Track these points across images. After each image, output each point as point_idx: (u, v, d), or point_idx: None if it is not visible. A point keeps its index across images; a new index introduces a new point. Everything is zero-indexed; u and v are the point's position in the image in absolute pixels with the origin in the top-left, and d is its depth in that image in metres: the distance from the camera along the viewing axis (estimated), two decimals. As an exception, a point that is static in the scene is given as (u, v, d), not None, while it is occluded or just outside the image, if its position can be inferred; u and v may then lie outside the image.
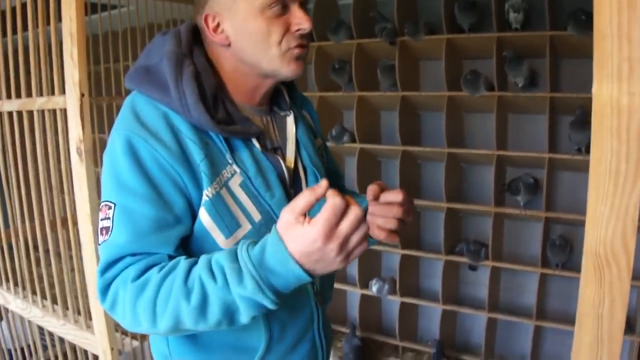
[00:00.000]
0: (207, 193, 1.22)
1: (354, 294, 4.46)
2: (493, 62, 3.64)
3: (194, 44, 1.34)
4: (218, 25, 1.30)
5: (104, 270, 1.21)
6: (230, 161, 1.27)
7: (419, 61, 4.25)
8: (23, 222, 2.64)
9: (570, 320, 3.73)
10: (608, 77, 0.88)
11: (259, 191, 1.29)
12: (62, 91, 2.14)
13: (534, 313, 3.70)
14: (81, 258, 2.24)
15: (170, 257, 1.21)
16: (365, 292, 4.27)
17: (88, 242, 2.14)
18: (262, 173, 1.31)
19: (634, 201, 0.88)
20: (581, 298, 0.96)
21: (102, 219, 1.22)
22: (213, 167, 1.24)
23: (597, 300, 0.93)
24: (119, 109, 3.74)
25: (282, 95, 1.48)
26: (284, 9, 1.27)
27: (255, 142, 1.32)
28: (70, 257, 2.50)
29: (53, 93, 2.22)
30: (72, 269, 2.45)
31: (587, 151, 3.43)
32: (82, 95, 2.04)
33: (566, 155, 3.54)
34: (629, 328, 3.39)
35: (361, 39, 4.09)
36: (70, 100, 2.07)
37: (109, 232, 1.20)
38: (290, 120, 1.45)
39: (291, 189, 1.39)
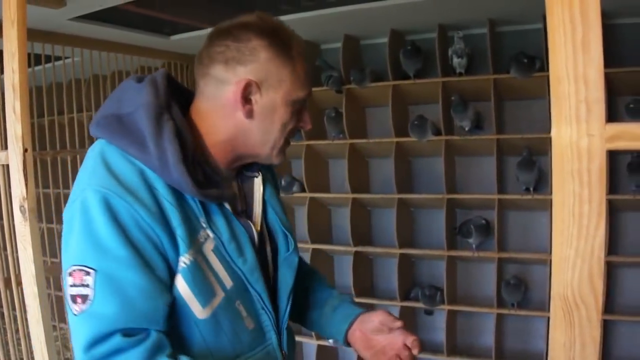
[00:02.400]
0: (185, 260, 1.15)
1: (310, 345, 4.38)
2: (439, 107, 3.70)
3: (170, 95, 1.25)
4: (249, 94, 1.23)
5: (90, 346, 1.07)
6: (204, 225, 1.20)
7: (365, 108, 4.30)
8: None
9: (528, 358, 3.74)
10: (566, 119, 0.88)
11: (232, 257, 1.23)
12: (4, 146, 2.05)
13: (492, 354, 3.69)
14: (26, 319, 2.14)
15: (159, 335, 1.11)
16: (321, 342, 4.20)
17: (34, 304, 2.04)
18: (236, 238, 1.24)
19: (599, 242, 0.88)
20: (552, 342, 0.95)
21: (75, 285, 1.09)
22: (190, 232, 1.17)
23: (568, 343, 0.92)
24: (63, 163, 3.65)
25: None
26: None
27: (227, 205, 1.26)
28: (15, 319, 2.40)
29: (-5, 148, 2.15)
30: (17, 331, 2.35)
31: (535, 190, 3.50)
32: (25, 150, 1.96)
33: (515, 195, 3.60)
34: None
35: (307, 88, 4.09)
36: (13, 155, 1.99)
37: (89, 301, 1.08)
38: (258, 182, 1.39)
39: (258, 253, 1.32)
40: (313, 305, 1.57)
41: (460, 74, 3.66)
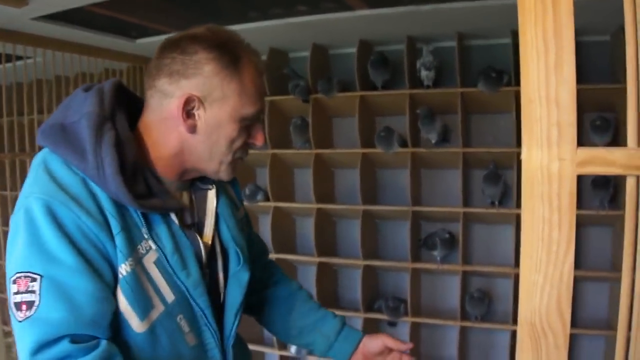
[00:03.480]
0: (122, 270, 1.13)
1: (273, 355, 4.33)
2: (406, 119, 3.68)
3: (117, 105, 1.23)
4: (192, 108, 1.21)
5: (36, 351, 1.05)
6: (146, 236, 1.18)
7: (332, 118, 4.27)
8: None
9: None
10: (537, 142, 0.86)
11: (175, 270, 1.21)
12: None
13: (455, 366, 3.67)
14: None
15: (108, 344, 1.09)
16: (283, 353, 4.12)
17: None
18: (179, 251, 1.22)
19: (568, 268, 0.87)
20: (518, 368, 0.93)
21: (20, 292, 1.07)
22: (129, 242, 1.15)
23: (535, 370, 0.90)
24: (23, 165, 3.56)
25: None
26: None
27: (173, 217, 1.24)
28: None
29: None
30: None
31: (500, 204, 3.51)
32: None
33: (480, 208, 3.61)
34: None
35: (274, 96, 4.07)
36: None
37: (34, 307, 1.05)
38: (211, 195, 1.37)
39: (206, 268, 1.32)
40: (309, 330, 1.62)
41: (428, 87, 3.66)
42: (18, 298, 1.07)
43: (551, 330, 0.89)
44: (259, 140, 1.29)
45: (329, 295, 4.21)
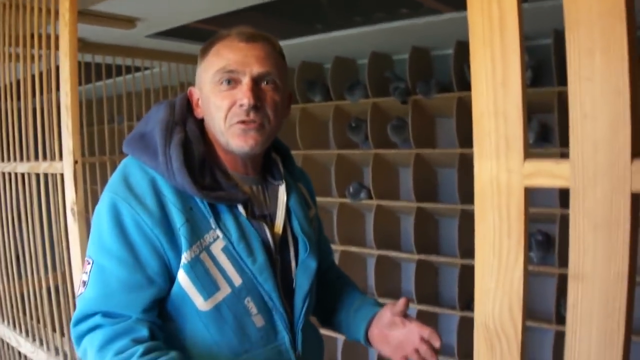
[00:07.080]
0: (186, 256, 1.27)
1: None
2: (503, 118, 3.63)
3: (189, 113, 1.43)
4: (199, 99, 1.41)
5: (76, 323, 1.27)
6: (213, 226, 1.31)
7: (435, 118, 4.30)
8: (32, 274, 2.77)
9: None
10: (487, 154, 0.91)
11: (241, 256, 1.32)
12: (61, 157, 2.29)
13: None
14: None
15: (139, 321, 1.25)
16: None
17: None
18: (245, 238, 1.34)
19: (518, 276, 0.91)
20: (476, 370, 0.97)
21: (83, 272, 1.30)
22: (194, 232, 1.29)
23: (491, 372, 0.94)
24: (113, 165, 3.88)
25: (276, 165, 1.52)
26: (235, 83, 1.34)
27: (241, 208, 1.36)
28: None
29: (54, 158, 2.36)
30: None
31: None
32: (76, 162, 2.18)
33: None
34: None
35: (376, 98, 4.17)
36: (67, 166, 2.21)
37: (84, 287, 1.28)
38: (282, 189, 1.48)
39: (277, 254, 1.42)
40: (339, 310, 1.63)
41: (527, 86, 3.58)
42: (82, 277, 1.30)
43: (504, 335, 0.93)
44: (242, 99, 1.32)
45: (428, 292, 4.25)
